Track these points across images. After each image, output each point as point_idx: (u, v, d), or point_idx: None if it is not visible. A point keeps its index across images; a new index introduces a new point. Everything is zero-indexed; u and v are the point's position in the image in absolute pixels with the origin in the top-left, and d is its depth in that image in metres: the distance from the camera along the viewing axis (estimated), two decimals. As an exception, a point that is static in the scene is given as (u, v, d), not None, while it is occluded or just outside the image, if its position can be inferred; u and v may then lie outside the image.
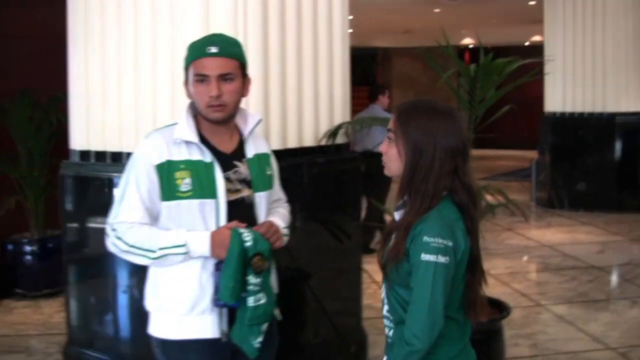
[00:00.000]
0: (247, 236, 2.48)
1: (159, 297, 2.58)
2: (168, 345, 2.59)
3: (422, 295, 2.13)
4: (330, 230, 4.39)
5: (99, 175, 4.07)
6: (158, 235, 2.49)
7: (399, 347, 2.17)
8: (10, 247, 6.59)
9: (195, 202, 2.52)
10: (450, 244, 2.15)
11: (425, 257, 2.13)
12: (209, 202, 2.53)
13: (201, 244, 2.49)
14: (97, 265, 4.12)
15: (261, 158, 2.71)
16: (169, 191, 2.51)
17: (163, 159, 2.52)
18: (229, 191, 2.56)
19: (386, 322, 2.34)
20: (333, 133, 4.40)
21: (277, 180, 2.82)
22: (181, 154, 2.53)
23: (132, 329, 4.01)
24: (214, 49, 2.51)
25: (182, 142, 2.54)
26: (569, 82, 10.55)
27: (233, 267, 2.45)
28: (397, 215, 2.32)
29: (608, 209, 10.14)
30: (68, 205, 4.30)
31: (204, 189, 2.52)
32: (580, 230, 9.22)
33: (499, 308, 4.35)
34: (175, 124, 2.61)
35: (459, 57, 23.64)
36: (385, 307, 2.33)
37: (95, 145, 4.15)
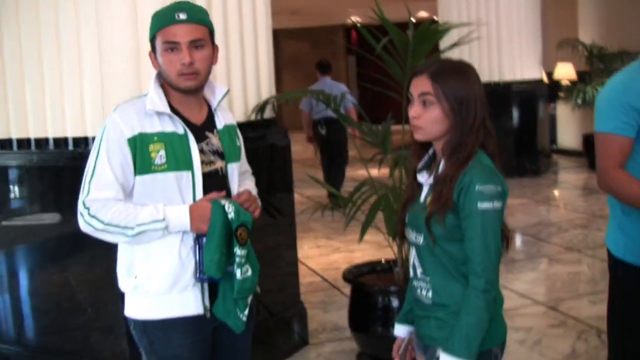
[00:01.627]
0: (229, 207, 2.39)
1: (135, 277, 2.44)
2: (149, 326, 2.47)
3: (488, 243, 2.16)
4: (264, 207, 4.35)
5: None
6: (135, 211, 2.36)
7: (476, 298, 2.16)
8: None
9: (171, 175, 2.41)
10: (499, 188, 2.20)
11: (483, 205, 2.16)
12: (185, 175, 2.43)
13: (181, 218, 2.37)
14: None
15: (230, 129, 2.62)
16: (142, 165, 2.38)
17: (135, 132, 2.38)
18: (203, 163, 2.46)
19: (420, 284, 2.32)
20: (261, 108, 4.36)
21: (243, 152, 2.74)
22: (154, 126, 2.41)
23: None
24: (182, 15, 2.39)
25: (153, 113, 2.42)
26: (465, 54, 10.73)
27: (217, 240, 2.36)
28: (422, 177, 2.33)
29: (510, 175, 10.32)
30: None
31: (179, 161, 2.41)
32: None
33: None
34: (144, 95, 2.48)
35: (345, 34, 23.95)
36: (419, 270, 2.32)
37: None
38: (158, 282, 2.42)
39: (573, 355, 4.44)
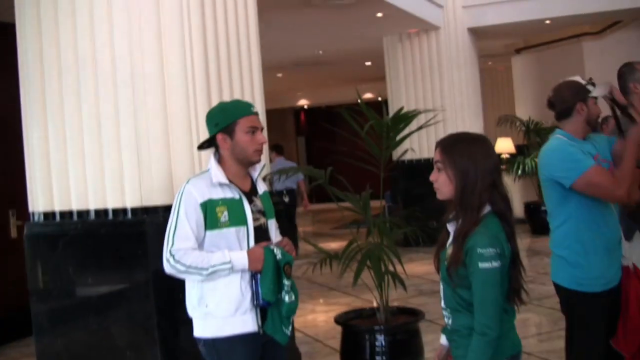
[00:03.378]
0: (277, 251, 3.26)
1: (206, 306, 3.25)
2: (218, 342, 3.26)
3: (487, 295, 2.68)
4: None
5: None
6: (208, 257, 3.19)
7: (478, 341, 2.69)
8: None
9: (232, 229, 3.26)
10: (498, 250, 2.69)
11: (483, 265, 2.67)
12: (242, 229, 3.29)
13: (241, 260, 3.21)
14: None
15: (266, 194, 3.49)
16: (212, 222, 3.22)
17: (205, 198, 3.23)
18: (254, 220, 3.32)
19: (444, 312, 2.91)
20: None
21: None
22: (218, 194, 3.26)
23: None
24: (254, 109, 3.30)
25: (217, 184, 3.27)
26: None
27: (271, 274, 3.21)
28: (450, 227, 2.85)
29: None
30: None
31: (237, 219, 3.27)
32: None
33: (414, 314, 5.29)
34: (207, 170, 3.33)
35: (294, 117, 25.12)
36: (442, 302, 2.91)
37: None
38: (225, 308, 3.24)
39: (528, 381, 5.30)
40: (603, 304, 3.63)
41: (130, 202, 4.58)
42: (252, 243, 3.31)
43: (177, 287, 4.43)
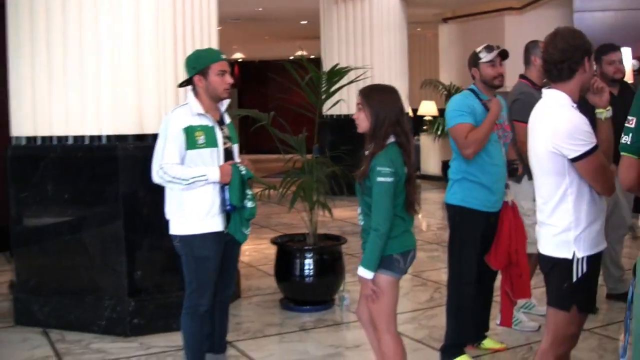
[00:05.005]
0: (242, 168, 4.14)
1: (184, 209, 4.11)
2: (191, 238, 4.13)
3: (381, 201, 3.59)
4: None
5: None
6: (188, 170, 4.04)
7: (372, 234, 3.60)
8: None
9: (207, 150, 4.12)
10: (393, 170, 3.58)
11: (380, 179, 3.58)
12: (215, 150, 4.15)
13: (214, 174, 4.08)
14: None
15: (231, 125, 4.36)
16: (191, 143, 4.07)
17: (187, 124, 4.08)
18: (223, 143, 4.19)
19: (359, 216, 3.81)
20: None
21: None
22: (196, 121, 4.11)
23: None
24: (224, 56, 4.15)
25: (196, 114, 4.12)
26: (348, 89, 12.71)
27: (237, 185, 4.09)
28: (367, 152, 3.71)
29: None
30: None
31: (211, 142, 4.13)
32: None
33: (337, 239, 6.28)
34: (186, 104, 4.17)
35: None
36: (359, 208, 3.81)
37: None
38: (199, 211, 4.11)
39: (431, 300, 6.35)
40: (481, 221, 4.62)
41: (105, 130, 5.39)
42: (221, 161, 4.17)
43: (141, 203, 5.38)
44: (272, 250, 7.82)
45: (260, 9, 14.55)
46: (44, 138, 5.56)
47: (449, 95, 14.48)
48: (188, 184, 4.05)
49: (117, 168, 5.39)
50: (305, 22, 16.79)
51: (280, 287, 6.26)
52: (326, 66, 13.03)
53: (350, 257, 6.98)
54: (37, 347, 5.25)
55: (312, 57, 21.58)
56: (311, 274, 6.03)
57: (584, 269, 3.27)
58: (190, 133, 4.08)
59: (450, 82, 14.63)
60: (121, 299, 5.40)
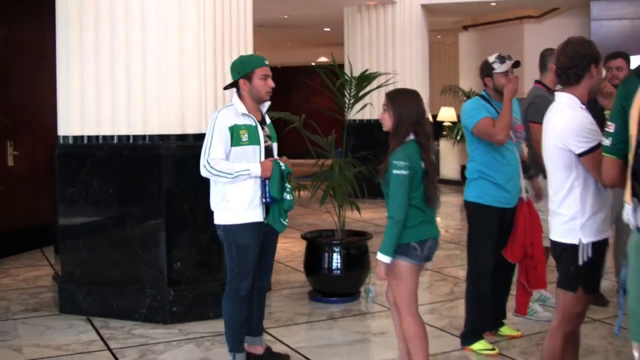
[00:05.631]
0: (282, 164, 4.53)
1: (228, 201, 4.47)
2: (234, 228, 4.49)
3: (396, 192, 3.98)
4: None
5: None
6: (233, 165, 4.41)
7: (389, 222, 3.99)
8: None
9: (250, 147, 4.50)
10: (408, 164, 3.95)
11: (395, 172, 3.97)
12: (256, 147, 4.52)
13: (256, 169, 4.45)
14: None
15: (271, 125, 4.75)
16: (236, 141, 4.45)
17: (232, 123, 4.45)
18: (264, 141, 4.59)
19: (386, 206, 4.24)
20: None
21: None
22: (241, 121, 4.48)
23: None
24: (266, 62, 4.55)
25: (240, 114, 4.50)
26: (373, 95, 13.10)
27: (278, 179, 4.46)
28: None
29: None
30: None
31: (254, 140, 4.51)
32: (383, 210, 11.75)
33: (364, 235, 6.66)
34: (231, 105, 4.55)
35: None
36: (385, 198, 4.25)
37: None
38: (241, 203, 4.47)
39: (451, 293, 6.71)
40: (496, 217, 4.97)
41: (149, 130, 5.80)
42: (262, 158, 4.56)
43: (181, 200, 5.77)
44: (298, 247, 8.23)
45: (286, 16, 14.96)
46: (90, 137, 5.96)
47: (468, 101, 14.78)
48: (233, 177, 4.42)
49: (160, 166, 5.79)
50: (329, 29, 17.18)
51: (309, 280, 6.64)
52: (350, 72, 13.53)
53: (374, 254, 7.32)
54: (82, 332, 5.64)
55: (332, 63, 22.19)
56: (339, 267, 6.41)
57: (589, 254, 3.61)
58: (235, 131, 4.46)
59: (470, 89, 14.96)
60: (161, 289, 5.79)
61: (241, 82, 4.56)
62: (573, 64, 3.67)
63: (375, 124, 12.63)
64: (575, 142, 3.54)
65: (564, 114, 3.64)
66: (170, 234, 5.80)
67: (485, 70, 5.01)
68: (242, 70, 4.56)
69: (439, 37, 18.23)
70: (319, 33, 18.12)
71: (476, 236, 5.09)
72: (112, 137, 5.88)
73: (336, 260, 6.39)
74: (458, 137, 14.41)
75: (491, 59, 5.00)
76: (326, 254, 6.43)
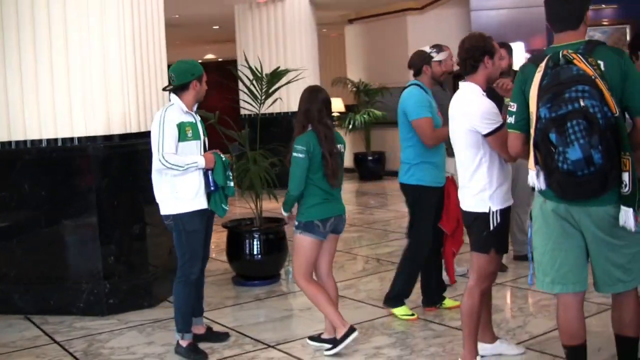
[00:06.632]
0: (222, 155, 4.99)
1: (177, 191, 4.87)
2: (183, 216, 4.90)
3: (294, 172, 4.75)
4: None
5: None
6: (183, 158, 4.82)
7: (286, 194, 4.81)
8: None
9: (194, 142, 4.95)
10: (304, 148, 4.68)
11: (294, 154, 4.71)
12: (198, 142, 4.98)
13: (202, 161, 4.88)
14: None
15: (202, 121, 5.17)
16: (182, 136, 4.87)
17: (179, 121, 4.87)
18: (204, 136, 5.04)
19: None
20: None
21: None
22: (185, 118, 4.91)
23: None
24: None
25: (184, 112, 4.91)
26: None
27: (221, 169, 4.93)
28: None
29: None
30: None
31: (196, 135, 4.96)
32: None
33: (279, 221, 7.14)
34: (172, 104, 4.92)
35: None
36: None
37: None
38: (189, 193, 4.90)
39: (363, 270, 7.28)
40: (435, 195, 5.52)
41: (77, 132, 6.08)
42: (203, 151, 5.02)
43: (113, 197, 6.10)
44: (215, 238, 8.62)
45: (177, 16, 15.19)
46: (17, 142, 6.19)
47: (358, 92, 15.43)
48: (183, 169, 4.85)
49: (89, 166, 6.11)
50: (217, 27, 17.50)
51: (232, 266, 7.08)
52: (243, 68, 13.90)
53: (291, 240, 7.81)
54: (25, 330, 5.88)
55: (219, 59, 22.66)
56: (260, 252, 6.88)
57: (498, 220, 4.24)
58: (182, 128, 4.90)
59: (359, 79, 15.56)
60: (98, 282, 6.10)
61: (194, 83, 4.99)
62: (468, 55, 4.28)
63: (284, 117, 13.20)
64: (482, 124, 4.14)
65: (470, 100, 4.24)
66: (102, 229, 6.11)
67: (424, 58, 5.57)
68: (195, 73, 5.00)
69: (324, 30, 18.78)
70: (207, 31, 18.41)
71: (420, 215, 5.51)
72: (40, 140, 6.12)
73: (257, 245, 6.86)
74: (350, 127, 14.94)
75: (427, 49, 5.59)
76: (247, 241, 6.90)
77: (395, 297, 5.65)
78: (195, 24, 16.85)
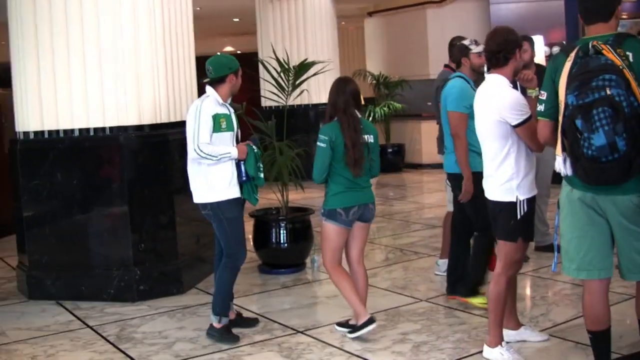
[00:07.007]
0: (254, 147, 5.13)
1: (212, 181, 5.02)
2: (221, 203, 5.05)
3: (317, 159, 4.88)
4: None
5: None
6: (217, 149, 4.97)
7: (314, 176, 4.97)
8: None
9: (227, 133, 5.09)
10: (326, 137, 4.82)
11: (318, 143, 4.85)
12: (232, 133, 5.12)
13: (235, 152, 5.03)
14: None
15: (235, 113, 5.30)
16: (217, 128, 5.01)
17: (214, 112, 5.01)
18: (237, 128, 5.18)
19: None
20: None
21: None
22: (220, 110, 5.05)
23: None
24: None
25: (219, 104, 5.06)
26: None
27: (253, 160, 5.08)
28: None
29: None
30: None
31: (230, 127, 5.09)
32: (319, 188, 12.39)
33: (306, 210, 7.26)
34: (208, 96, 5.06)
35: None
36: None
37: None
38: (224, 182, 5.05)
39: (387, 259, 7.39)
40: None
41: (108, 122, 6.23)
42: (234, 143, 5.16)
43: (143, 185, 6.24)
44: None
45: (199, 8, 15.32)
46: (50, 132, 6.34)
47: (377, 85, 15.53)
48: (217, 159, 4.99)
49: (121, 155, 6.25)
50: (237, 19, 17.62)
51: (258, 254, 7.21)
52: (267, 60, 14.04)
53: (317, 229, 7.95)
54: (58, 315, 6.04)
55: (238, 52, 22.81)
56: (286, 240, 7.02)
57: (525, 209, 4.34)
58: (216, 119, 5.04)
59: (380, 72, 15.64)
60: (128, 269, 6.26)
61: (231, 76, 5.13)
62: (502, 48, 4.37)
63: (304, 109, 13.31)
64: (512, 115, 4.24)
65: (499, 92, 4.34)
66: (133, 218, 6.26)
67: (462, 51, 5.72)
68: (232, 67, 5.15)
69: (343, 23, 18.90)
70: (227, 23, 18.54)
71: (475, 199, 5.41)
72: (72, 130, 6.27)
73: (283, 234, 6.99)
74: (370, 119, 15.01)
75: (466, 42, 5.74)
76: (273, 229, 7.03)
77: (472, 288, 5.61)
78: (217, 16, 16.97)
